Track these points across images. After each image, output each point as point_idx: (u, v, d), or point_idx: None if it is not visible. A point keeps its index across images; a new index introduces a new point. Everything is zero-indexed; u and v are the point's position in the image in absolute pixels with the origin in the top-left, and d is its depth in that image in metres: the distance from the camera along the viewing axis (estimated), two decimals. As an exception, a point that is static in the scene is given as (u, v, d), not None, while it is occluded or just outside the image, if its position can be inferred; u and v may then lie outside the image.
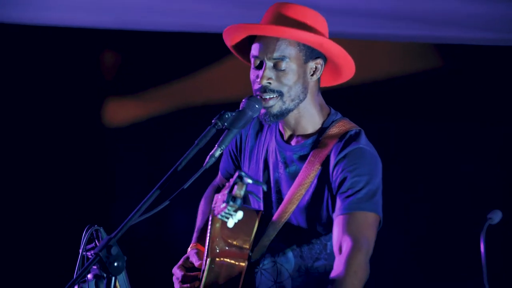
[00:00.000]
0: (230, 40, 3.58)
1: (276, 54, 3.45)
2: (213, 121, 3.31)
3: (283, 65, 3.45)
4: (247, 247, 3.41)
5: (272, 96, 3.46)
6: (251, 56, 3.52)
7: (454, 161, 5.41)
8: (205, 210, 3.90)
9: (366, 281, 3.28)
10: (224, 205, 2.85)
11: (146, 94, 5.77)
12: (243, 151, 3.75)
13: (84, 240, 3.14)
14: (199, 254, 3.65)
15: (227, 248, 3.40)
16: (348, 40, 5.25)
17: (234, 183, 2.84)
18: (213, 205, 3.07)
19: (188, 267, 3.64)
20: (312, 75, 3.52)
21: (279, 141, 3.62)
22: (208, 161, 3.24)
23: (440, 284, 5.41)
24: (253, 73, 3.51)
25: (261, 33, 3.47)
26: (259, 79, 3.46)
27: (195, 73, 5.62)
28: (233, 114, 3.34)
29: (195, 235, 3.81)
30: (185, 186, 3.21)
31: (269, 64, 3.46)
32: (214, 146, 3.23)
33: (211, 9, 5.34)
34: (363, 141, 3.46)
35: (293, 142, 3.59)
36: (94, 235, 3.16)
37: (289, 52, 3.45)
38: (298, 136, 3.58)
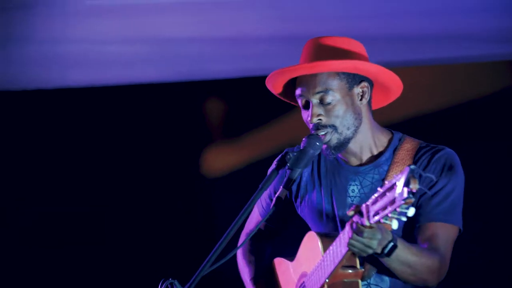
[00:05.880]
0: (275, 88, 3.60)
1: (318, 89, 3.43)
2: (275, 162, 3.33)
3: (328, 98, 3.43)
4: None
5: (326, 132, 3.43)
6: (297, 98, 3.51)
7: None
8: (251, 259, 3.87)
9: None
10: (395, 204, 2.79)
11: (242, 140, 5.80)
12: (299, 190, 3.70)
13: (159, 293, 3.16)
14: None
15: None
16: (424, 67, 5.17)
17: (408, 178, 2.75)
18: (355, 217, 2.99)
19: None
20: (360, 100, 3.49)
21: (346, 167, 3.57)
22: (275, 202, 3.25)
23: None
24: (304, 114, 3.50)
25: (296, 74, 3.48)
26: (309, 118, 3.44)
27: (290, 115, 5.63)
28: (295, 154, 3.33)
29: (249, 282, 3.78)
30: (253, 232, 3.23)
31: (314, 101, 3.44)
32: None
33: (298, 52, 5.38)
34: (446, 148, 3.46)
35: (363, 165, 3.54)
36: (169, 288, 3.16)
37: (330, 84, 3.43)
38: (366, 159, 3.54)
